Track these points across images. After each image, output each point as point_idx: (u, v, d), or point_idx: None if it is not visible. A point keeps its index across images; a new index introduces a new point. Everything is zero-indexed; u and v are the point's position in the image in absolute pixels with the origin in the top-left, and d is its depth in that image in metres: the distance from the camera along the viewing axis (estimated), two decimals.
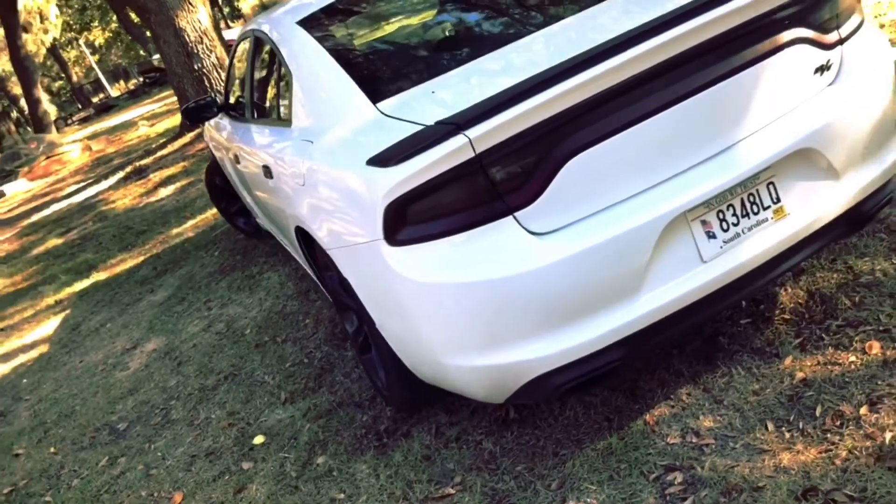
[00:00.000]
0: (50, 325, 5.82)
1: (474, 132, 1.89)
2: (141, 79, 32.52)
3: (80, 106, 35.92)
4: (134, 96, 29.94)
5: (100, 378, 4.38)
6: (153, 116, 17.98)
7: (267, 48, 3.38)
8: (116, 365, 4.47)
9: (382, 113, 2.32)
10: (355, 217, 2.17)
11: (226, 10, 29.02)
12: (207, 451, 3.11)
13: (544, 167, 1.97)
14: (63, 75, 40.32)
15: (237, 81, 4.54)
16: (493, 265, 1.99)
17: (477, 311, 2.01)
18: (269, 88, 3.41)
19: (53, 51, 33.94)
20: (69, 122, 29.40)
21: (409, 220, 2.02)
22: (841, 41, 2.27)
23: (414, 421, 2.77)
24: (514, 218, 1.99)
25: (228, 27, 27.82)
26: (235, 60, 4.68)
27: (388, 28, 2.88)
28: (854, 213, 2.29)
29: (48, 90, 43.52)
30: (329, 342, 3.57)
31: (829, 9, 2.24)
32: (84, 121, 27.79)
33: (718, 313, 2.20)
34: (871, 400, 2.10)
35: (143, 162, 11.33)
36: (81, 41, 39.69)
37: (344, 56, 2.70)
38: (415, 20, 2.86)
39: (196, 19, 11.37)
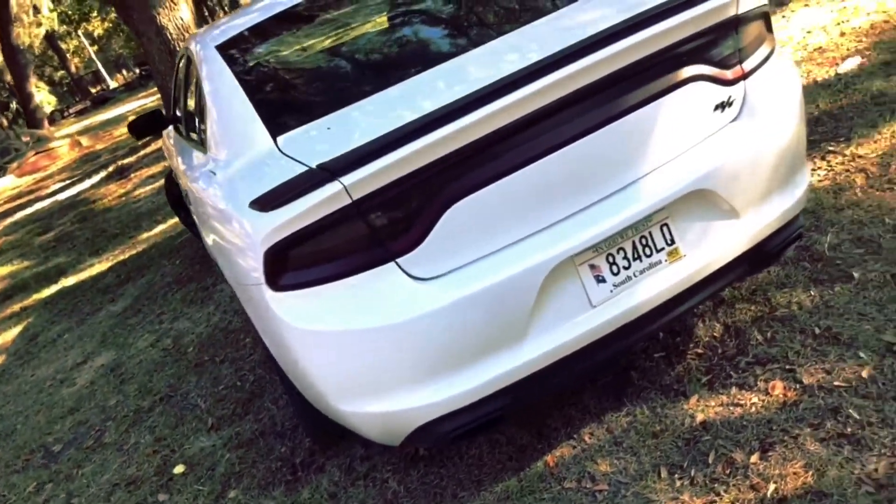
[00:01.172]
0: (11, 335, 5.81)
1: (349, 179, 1.84)
2: (137, 70, 32.47)
3: (77, 98, 35.91)
4: (130, 89, 29.92)
5: (46, 395, 4.36)
6: (144, 112, 17.93)
7: (193, 68, 3.34)
8: (64, 381, 4.46)
9: (279, 149, 2.27)
10: (242, 258, 2.13)
11: (226, 2, 28.84)
12: (129, 480, 3.09)
13: (426, 213, 1.93)
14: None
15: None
16: (377, 312, 1.95)
17: (362, 358, 1.98)
18: (195, 110, 3.36)
19: (52, 41, 33.87)
20: (66, 114, 29.39)
21: (290, 265, 1.98)
22: (744, 76, 2.22)
23: (331, 453, 2.74)
24: (397, 264, 1.95)
25: None
26: (177, 74, 4.63)
27: (304, 56, 2.83)
28: (757, 253, 2.24)
29: (50, 80, 43.47)
30: (263, 364, 3.55)
31: (731, 43, 2.18)
32: (81, 113, 27.79)
33: (612, 358, 2.16)
34: (764, 447, 2.06)
35: (126, 161, 11.31)
36: (80, 32, 39.59)
37: (254, 84, 2.65)
38: (332, 48, 2.80)
39: (178, 17, 11.29)
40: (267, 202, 1.94)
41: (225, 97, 2.66)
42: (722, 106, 2.18)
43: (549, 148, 1.96)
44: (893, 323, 2.34)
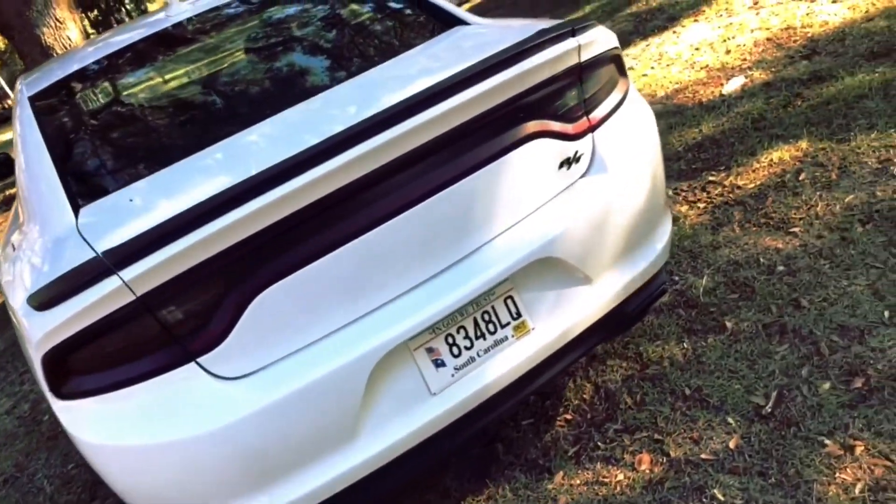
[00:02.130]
0: None
1: (130, 273, 1.58)
2: None
3: None
4: None
5: None
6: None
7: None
8: None
9: (77, 226, 1.98)
10: (32, 360, 1.84)
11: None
12: None
13: (228, 304, 1.68)
14: None
15: None
16: (179, 421, 1.69)
17: (168, 474, 1.72)
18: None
19: None
20: None
21: (74, 370, 1.70)
22: (592, 127, 2.04)
23: None
24: (199, 364, 1.70)
25: None
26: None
27: (121, 109, 2.54)
28: (615, 317, 2.07)
29: None
30: None
31: (575, 94, 2.00)
32: None
33: (461, 446, 1.95)
34: None
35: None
36: None
37: (63, 143, 2.35)
38: (150, 100, 2.52)
39: (65, 36, 10.72)
40: (41, 299, 1.66)
41: (31, 158, 2.34)
42: (568, 162, 1.99)
43: (374, 221, 1.74)
44: (763, 381, 2.20)
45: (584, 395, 2.41)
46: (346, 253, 1.71)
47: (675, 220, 3.18)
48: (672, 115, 4.23)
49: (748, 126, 3.71)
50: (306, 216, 1.65)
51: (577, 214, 1.94)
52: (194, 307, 1.67)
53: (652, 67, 5.09)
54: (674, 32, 5.60)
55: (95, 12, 27.65)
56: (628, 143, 2.09)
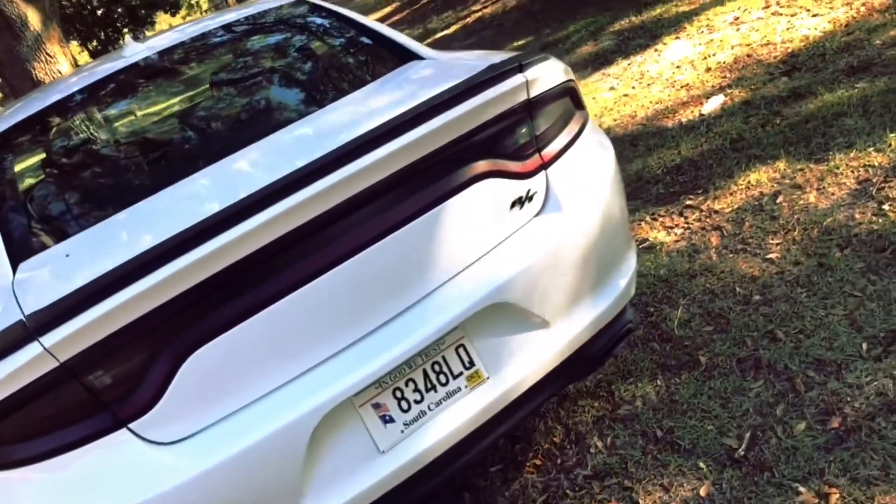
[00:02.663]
0: None
1: (51, 339, 1.50)
2: None
3: None
4: None
5: None
6: None
7: None
8: None
9: (13, 282, 1.90)
10: None
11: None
12: None
13: (158, 368, 1.60)
14: None
15: None
16: (114, 489, 1.61)
17: None
18: None
19: None
20: None
21: (1, 439, 1.61)
22: (545, 164, 1.96)
23: None
24: (130, 430, 1.61)
25: None
26: None
27: (67, 158, 2.47)
28: (577, 360, 1.98)
29: None
30: None
31: (525, 131, 1.92)
32: None
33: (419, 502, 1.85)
34: None
35: None
36: None
37: (5, 195, 2.28)
38: (98, 148, 2.45)
39: (56, 70, 10.73)
40: None
41: None
42: (520, 202, 1.91)
43: (312, 273, 1.66)
44: (736, 421, 2.10)
45: (555, 439, 2.31)
46: (284, 308, 1.63)
47: (652, 247, 3.10)
48: (652, 136, 4.15)
49: (726, 147, 3.64)
50: (239, 271, 1.58)
51: (531, 256, 1.86)
52: (123, 371, 1.59)
53: (633, 87, 5.02)
54: (655, 50, 5.54)
55: (95, 42, 27.82)
56: (585, 179, 2.01)
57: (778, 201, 3.02)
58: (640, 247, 3.15)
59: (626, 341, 2.26)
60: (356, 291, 1.70)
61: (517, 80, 1.85)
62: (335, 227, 1.66)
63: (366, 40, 2.58)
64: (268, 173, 1.66)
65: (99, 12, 25.22)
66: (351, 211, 1.67)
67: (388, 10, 15.22)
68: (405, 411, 1.76)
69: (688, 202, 3.32)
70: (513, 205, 1.90)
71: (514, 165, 1.90)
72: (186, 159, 2.15)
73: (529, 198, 1.93)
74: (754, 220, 2.97)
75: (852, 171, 2.98)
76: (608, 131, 4.44)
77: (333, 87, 2.37)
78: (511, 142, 1.91)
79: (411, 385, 1.77)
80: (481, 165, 1.83)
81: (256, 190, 1.59)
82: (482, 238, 1.85)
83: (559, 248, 1.90)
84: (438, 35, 10.10)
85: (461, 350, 1.81)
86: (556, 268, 1.90)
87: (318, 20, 2.77)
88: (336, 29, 2.69)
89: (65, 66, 11.10)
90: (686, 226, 3.17)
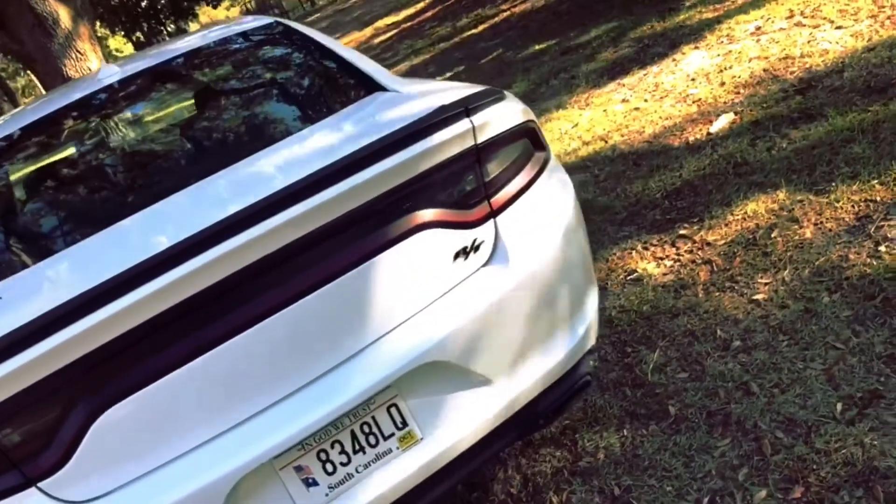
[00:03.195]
0: None
1: None
2: None
3: None
4: None
5: None
6: None
7: None
8: None
9: None
10: None
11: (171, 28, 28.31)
12: None
13: (69, 426, 1.55)
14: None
15: None
16: None
17: None
18: None
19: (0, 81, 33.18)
20: None
21: None
22: (494, 212, 1.87)
23: None
24: (39, 489, 1.57)
25: None
26: None
27: (11, 194, 2.43)
28: (524, 418, 1.89)
29: None
30: None
31: (472, 178, 1.83)
32: None
33: None
34: None
35: None
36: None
37: None
38: (40, 184, 2.41)
39: (86, 67, 10.87)
40: None
41: None
42: (465, 253, 1.83)
43: (236, 328, 1.60)
44: (696, 483, 1.99)
45: (511, 489, 2.23)
46: (203, 365, 1.57)
47: (639, 280, 2.98)
48: (657, 155, 4.01)
49: (729, 171, 3.49)
50: (156, 326, 1.52)
51: (472, 311, 1.77)
52: (33, 429, 1.56)
53: (645, 100, 4.87)
54: (673, 60, 5.37)
55: (138, 34, 28.22)
56: (539, 226, 1.92)
57: (773, 235, 2.87)
58: (628, 279, 3.03)
59: (581, 396, 2.15)
60: (281, 348, 1.64)
61: (463, 125, 1.77)
62: (259, 281, 1.60)
63: (332, 68, 2.50)
64: (192, 222, 1.60)
65: (143, 4, 25.54)
66: (278, 264, 1.60)
67: (420, 6, 15.13)
68: (330, 474, 1.69)
69: (682, 231, 3.19)
70: (456, 256, 1.81)
71: (458, 214, 1.81)
72: (116, 204, 2.10)
73: (475, 248, 1.84)
74: (746, 256, 2.83)
75: (853, 206, 2.82)
76: (613, 148, 4.31)
77: (283, 123, 2.31)
78: (456, 189, 1.82)
79: (337, 447, 1.70)
80: (422, 215, 1.75)
81: (178, 241, 1.53)
82: (420, 292, 1.77)
83: (504, 302, 1.81)
84: (466, 34, 9.99)
85: (393, 410, 1.74)
86: (500, 323, 1.81)
87: (285, 46, 2.70)
88: (302, 55, 2.63)
89: (94, 63, 11.24)
90: (677, 257, 3.04)
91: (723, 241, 2.99)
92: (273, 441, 1.61)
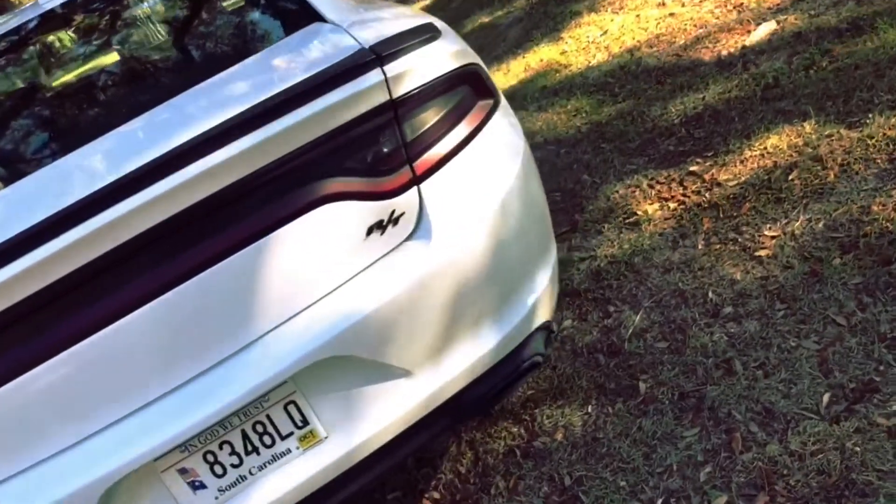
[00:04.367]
0: None
1: None
2: None
3: None
4: None
5: None
6: None
7: None
8: None
9: None
10: None
11: None
12: None
13: None
14: None
15: None
16: None
17: None
18: None
19: None
20: None
21: None
22: (417, 179, 1.61)
23: None
24: None
25: None
26: None
27: None
28: (456, 406, 1.68)
29: None
30: None
31: (389, 140, 1.56)
32: None
33: None
34: None
35: None
36: None
37: None
38: None
39: None
40: None
41: None
42: (380, 227, 1.58)
43: (111, 315, 1.42)
44: (653, 481, 1.78)
45: (460, 467, 2.05)
46: (73, 357, 1.41)
47: (637, 225, 2.68)
48: (684, 72, 3.59)
49: (756, 94, 3.08)
50: (18, 315, 1.35)
51: (387, 295, 1.54)
52: None
53: (683, 4, 4.38)
54: None
55: None
56: (477, 191, 1.65)
57: (790, 177, 2.51)
58: (626, 222, 2.73)
59: (527, 377, 1.92)
60: (162, 339, 1.46)
61: (373, 77, 1.49)
62: (134, 263, 1.41)
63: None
64: (63, 192, 1.40)
65: None
66: (155, 242, 1.40)
67: None
68: (219, 476, 1.53)
69: (693, 167, 2.84)
70: (369, 231, 1.57)
71: (370, 184, 1.55)
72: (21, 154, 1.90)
73: (393, 221, 1.59)
74: (756, 201, 2.49)
75: (888, 144, 2.43)
76: (639, 62, 3.89)
77: (190, 69, 2.03)
78: (369, 153, 1.56)
79: (227, 448, 1.53)
80: (325, 185, 1.50)
81: (39, 220, 1.33)
82: (326, 274, 1.54)
83: (427, 283, 1.58)
84: None
85: (291, 407, 1.55)
86: (422, 307, 1.58)
87: None
88: None
89: None
90: (682, 198, 2.71)
91: (734, 182, 2.64)
92: (151, 443, 1.45)
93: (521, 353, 1.76)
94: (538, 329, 1.79)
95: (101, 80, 2.15)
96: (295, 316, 1.53)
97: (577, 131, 3.53)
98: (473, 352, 1.66)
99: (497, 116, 1.74)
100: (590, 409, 2.05)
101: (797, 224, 2.31)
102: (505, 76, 4.64)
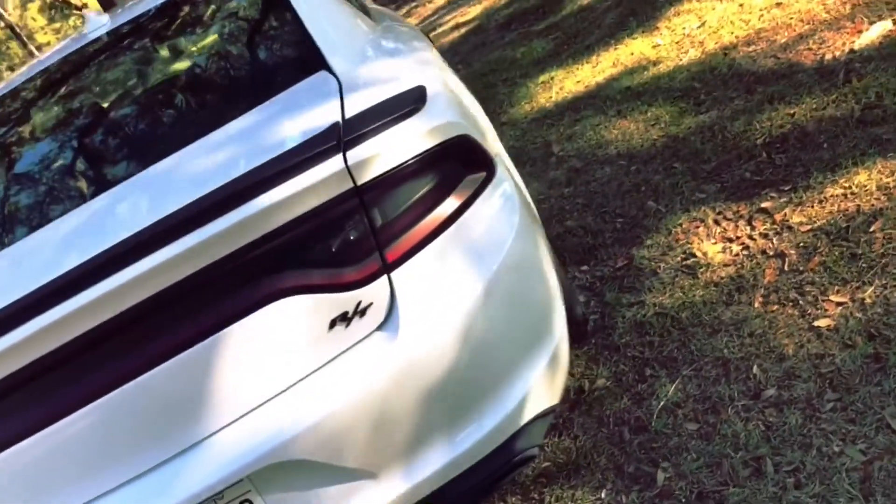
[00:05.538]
0: None
1: None
2: None
3: None
4: None
5: None
6: None
7: None
8: None
9: None
10: None
11: None
12: None
13: None
14: None
15: None
16: None
17: None
18: None
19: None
20: None
21: None
22: (387, 267, 1.49)
23: None
24: None
25: None
26: None
27: None
28: None
29: None
30: None
31: (356, 228, 1.45)
32: None
33: None
34: None
35: None
36: None
37: None
38: None
39: None
40: None
41: None
42: (345, 320, 1.48)
43: (53, 415, 1.41)
44: None
45: None
46: (13, 458, 1.39)
47: (693, 270, 2.43)
48: (779, 79, 3.23)
49: (853, 115, 2.71)
50: None
51: (348, 392, 1.45)
52: None
53: None
54: None
55: None
56: (458, 276, 1.51)
57: (871, 229, 2.19)
58: (683, 264, 2.49)
59: (516, 472, 1.77)
60: (111, 435, 1.43)
61: (332, 165, 1.37)
62: (84, 358, 1.38)
63: (290, 36, 2.09)
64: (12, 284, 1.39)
65: None
66: (106, 338, 1.37)
67: None
68: None
69: (765, 203, 2.54)
70: (332, 324, 1.47)
71: (333, 276, 1.45)
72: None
73: (360, 313, 1.48)
74: (828, 254, 2.19)
75: None
76: (731, 64, 3.53)
77: (176, 135, 1.93)
78: (335, 242, 1.46)
79: None
80: (287, 277, 1.42)
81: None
82: (285, 369, 1.47)
83: (394, 379, 1.47)
84: None
85: None
86: (386, 407, 1.48)
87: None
88: (263, 18, 2.23)
89: None
90: (748, 241, 2.43)
91: (808, 227, 2.33)
92: None
93: (510, 448, 1.63)
94: (535, 418, 1.64)
95: (51, 157, 2.13)
96: (250, 412, 1.46)
97: (651, 145, 3.25)
98: (449, 452, 1.54)
99: (489, 190, 1.57)
100: (602, 495, 1.88)
101: (869, 291, 2.00)
102: (592, 70, 4.36)
